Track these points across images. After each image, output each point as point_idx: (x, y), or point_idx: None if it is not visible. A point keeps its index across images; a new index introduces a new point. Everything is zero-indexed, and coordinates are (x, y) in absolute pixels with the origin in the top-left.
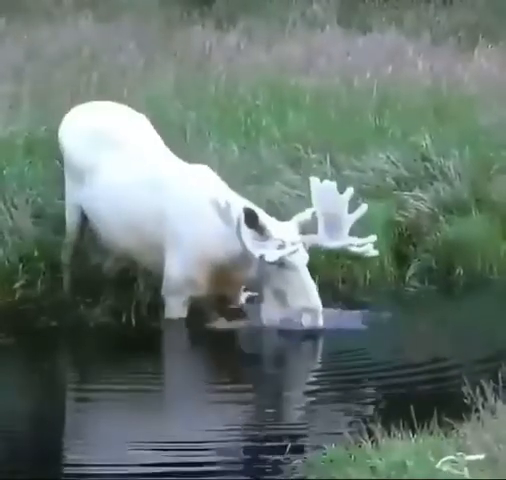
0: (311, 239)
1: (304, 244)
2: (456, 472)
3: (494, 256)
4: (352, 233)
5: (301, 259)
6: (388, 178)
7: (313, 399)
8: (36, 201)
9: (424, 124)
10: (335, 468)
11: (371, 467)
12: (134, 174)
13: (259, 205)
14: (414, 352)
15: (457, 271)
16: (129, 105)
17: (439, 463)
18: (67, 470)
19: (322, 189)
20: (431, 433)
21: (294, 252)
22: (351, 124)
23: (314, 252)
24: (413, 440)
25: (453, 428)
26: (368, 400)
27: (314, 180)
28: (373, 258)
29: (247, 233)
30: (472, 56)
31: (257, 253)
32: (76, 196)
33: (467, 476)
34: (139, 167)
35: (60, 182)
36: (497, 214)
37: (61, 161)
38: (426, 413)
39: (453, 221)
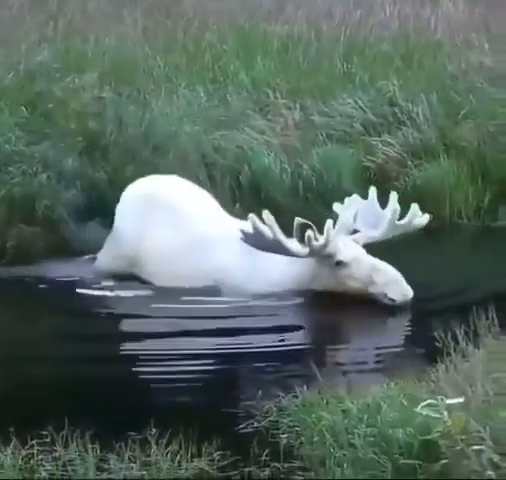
0: (362, 236)
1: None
2: (436, 415)
3: (462, 200)
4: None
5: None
6: (356, 123)
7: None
8: (3, 147)
9: (392, 69)
10: (307, 412)
11: (343, 411)
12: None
13: (228, 151)
14: None
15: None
16: (97, 51)
17: (419, 407)
18: None
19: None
20: (403, 377)
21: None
22: (319, 70)
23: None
24: (385, 384)
25: (425, 372)
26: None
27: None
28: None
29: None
30: (439, 1)
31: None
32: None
33: (446, 419)
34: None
35: (26, 129)
36: (465, 159)
37: (28, 108)
38: (398, 357)
39: (421, 166)
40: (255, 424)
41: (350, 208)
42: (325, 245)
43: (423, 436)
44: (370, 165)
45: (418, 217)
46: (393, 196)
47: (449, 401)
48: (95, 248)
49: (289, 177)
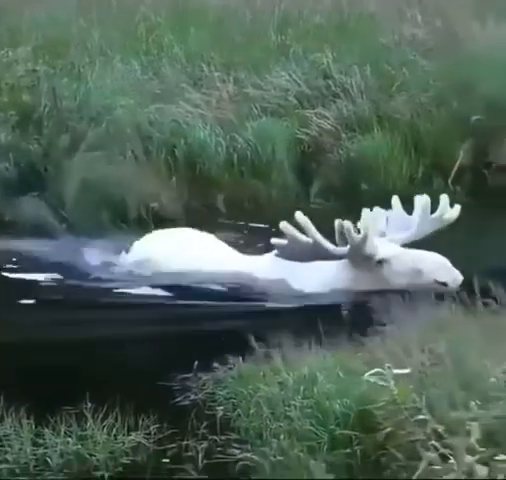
0: (393, 238)
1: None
2: (383, 383)
3: (396, 172)
4: None
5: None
6: (290, 96)
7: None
8: None
9: (326, 42)
10: (244, 384)
11: (280, 382)
12: None
13: (163, 124)
14: None
15: (361, 188)
16: (30, 25)
17: (366, 375)
18: None
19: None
20: (340, 348)
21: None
22: (253, 42)
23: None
24: (322, 356)
25: (361, 343)
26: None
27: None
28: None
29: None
30: None
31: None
32: None
33: (392, 387)
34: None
35: None
36: (398, 131)
37: None
38: (335, 329)
39: (355, 138)
40: (192, 397)
41: (379, 214)
42: (364, 239)
43: (362, 406)
44: (304, 138)
45: (448, 211)
46: (418, 200)
47: (396, 371)
48: (28, 221)
49: (224, 150)
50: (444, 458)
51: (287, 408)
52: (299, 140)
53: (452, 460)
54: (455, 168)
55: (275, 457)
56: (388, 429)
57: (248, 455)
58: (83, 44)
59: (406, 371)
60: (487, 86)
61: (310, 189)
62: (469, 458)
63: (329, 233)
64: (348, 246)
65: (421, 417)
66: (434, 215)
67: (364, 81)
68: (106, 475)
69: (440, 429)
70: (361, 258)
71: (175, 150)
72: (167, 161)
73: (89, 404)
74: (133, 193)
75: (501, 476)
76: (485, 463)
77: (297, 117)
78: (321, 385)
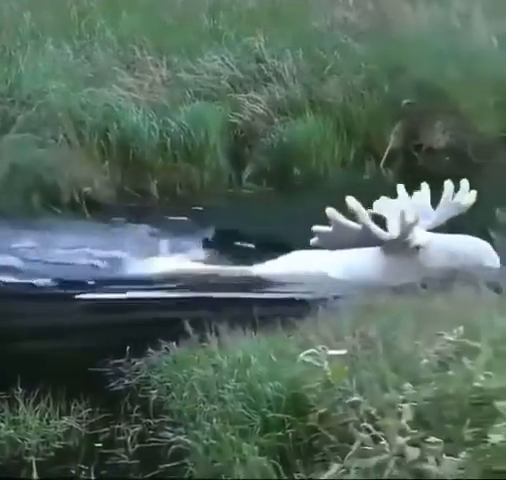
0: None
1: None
2: (317, 364)
3: (328, 156)
4: None
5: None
6: (223, 80)
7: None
8: None
9: (258, 26)
10: (178, 368)
11: (214, 365)
12: None
13: (96, 108)
14: None
15: (294, 172)
16: None
17: (302, 355)
18: None
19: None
20: (273, 332)
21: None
22: (186, 26)
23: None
24: (256, 339)
25: (294, 326)
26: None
27: None
28: None
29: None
30: None
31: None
32: None
33: (326, 368)
34: None
35: None
36: (330, 115)
37: None
38: (268, 315)
39: (288, 122)
40: (126, 381)
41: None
42: (415, 223)
43: (292, 390)
44: (237, 122)
45: (466, 195)
46: (447, 186)
47: (331, 352)
48: None
49: (157, 135)
50: (376, 440)
51: (221, 391)
52: (232, 124)
53: (384, 441)
54: (386, 151)
55: (208, 440)
56: (321, 411)
57: (181, 438)
58: (15, 28)
59: (341, 352)
60: (418, 69)
61: (242, 173)
62: (400, 440)
63: (259, 217)
64: (398, 231)
65: (354, 399)
66: (453, 201)
67: (296, 65)
68: (34, 460)
69: (372, 411)
70: (399, 245)
71: (108, 134)
72: (100, 145)
73: (20, 389)
74: (65, 177)
75: (432, 458)
76: (416, 445)
77: (230, 101)
78: (254, 368)
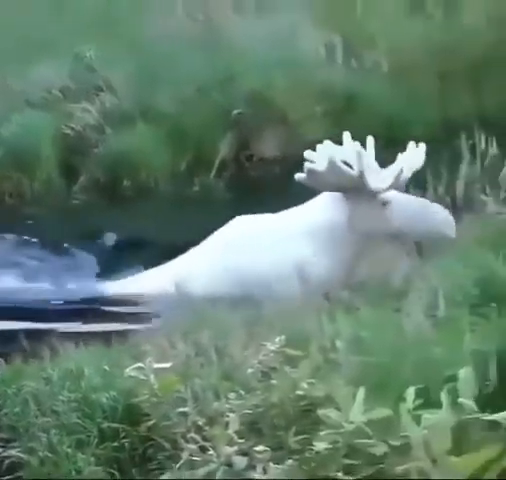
0: None
1: None
2: (143, 378)
3: (159, 167)
4: None
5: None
6: (54, 90)
7: None
8: None
9: (90, 34)
10: (7, 384)
11: (45, 378)
12: None
13: None
14: None
15: (123, 183)
16: None
17: (127, 369)
18: None
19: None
20: (107, 344)
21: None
22: (16, 34)
23: None
24: (89, 351)
25: (128, 338)
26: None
27: None
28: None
29: None
30: None
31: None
32: None
33: (152, 381)
34: None
35: None
36: (162, 125)
37: None
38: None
39: (119, 133)
40: None
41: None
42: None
43: (127, 400)
44: (69, 132)
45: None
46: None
47: (156, 365)
48: None
49: None
50: (204, 449)
51: (54, 403)
52: (64, 135)
53: (212, 451)
54: (217, 161)
55: (43, 452)
56: (151, 422)
57: (13, 452)
58: None
59: (166, 365)
60: (248, 79)
61: (73, 184)
62: (228, 449)
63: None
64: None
65: (181, 410)
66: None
67: (128, 74)
68: None
69: (200, 422)
70: (367, 195)
71: None
72: None
73: None
74: None
75: (260, 466)
76: (245, 453)
77: (62, 111)
78: (88, 379)
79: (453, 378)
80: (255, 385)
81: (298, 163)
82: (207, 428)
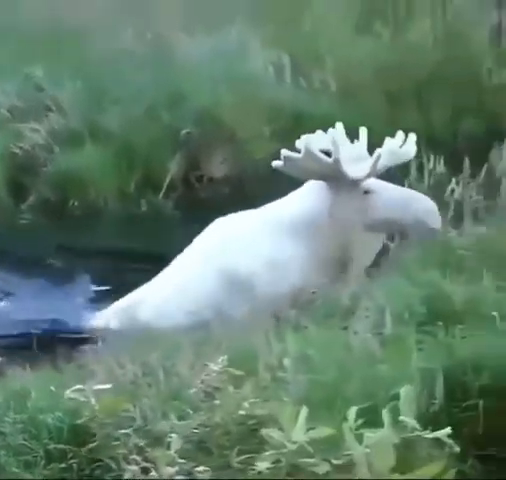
0: None
1: None
2: (83, 399)
3: (107, 187)
4: None
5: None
6: (2, 109)
7: None
8: None
9: (38, 54)
10: None
11: None
12: None
13: None
14: None
15: (71, 203)
16: None
17: (68, 391)
18: None
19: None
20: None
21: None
22: None
23: None
24: (35, 372)
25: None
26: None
27: None
28: None
29: None
30: None
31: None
32: None
33: (93, 402)
34: None
35: None
36: (110, 145)
37: None
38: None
39: (68, 152)
40: None
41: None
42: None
43: (73, 421)
44: (18, 152)
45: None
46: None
47: (97, 387)
48: None
49: None
50: (147, 470)
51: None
52: (12, 154)
53: (154, 472)
54: (166, 181)
55: None
56: (94, 443)
57: None
58: None
59: (106, 386)
60: (196, 98)
61: (22, 203)
62: (170, 470)
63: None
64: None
65: (123, 431)
66: (401, 149)
67: (76, 95)
68: None
69: (141, 443)
70: (348, 183)
71: None
72: None
73: None
74: None
75: None
76: (189, 473)
77: (10, 131)
78: (34, 400)
79: (399, 396)
80: (199, 405)
81: (247, 182)
82: (148, 449)
